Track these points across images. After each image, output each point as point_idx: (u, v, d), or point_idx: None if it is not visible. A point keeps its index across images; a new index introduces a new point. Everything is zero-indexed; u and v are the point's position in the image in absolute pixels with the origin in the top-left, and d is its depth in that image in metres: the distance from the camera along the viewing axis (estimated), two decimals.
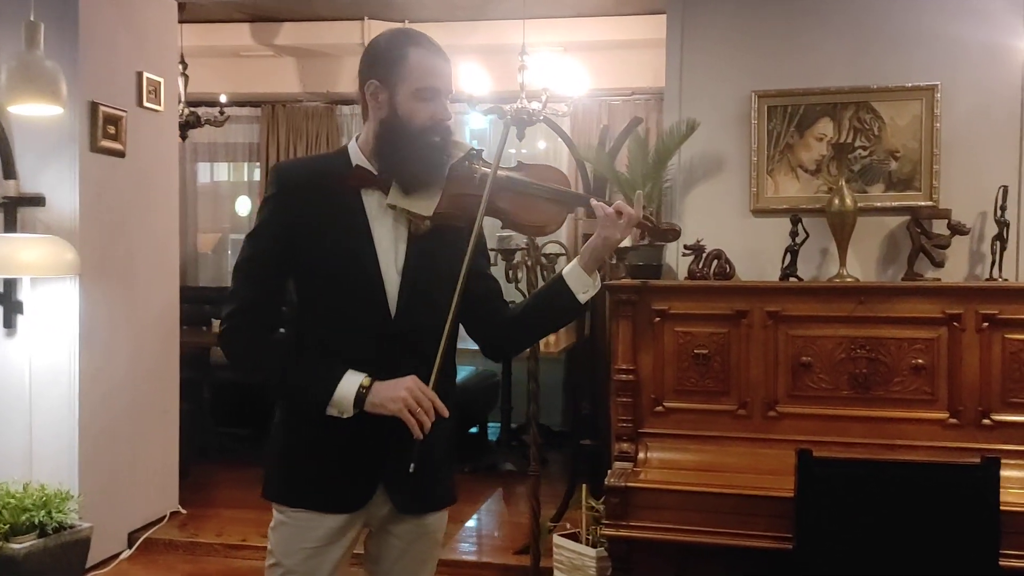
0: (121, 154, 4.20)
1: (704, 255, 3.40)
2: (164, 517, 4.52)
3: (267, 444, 2.07)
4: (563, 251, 3.58)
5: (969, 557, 2.38)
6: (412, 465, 1.84)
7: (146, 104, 4.37)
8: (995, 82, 3.28)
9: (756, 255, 3.46)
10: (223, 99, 6.37)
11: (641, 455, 3.17)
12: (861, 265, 3.39)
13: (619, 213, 1.89)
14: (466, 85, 4.67)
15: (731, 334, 3.17)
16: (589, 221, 1.99)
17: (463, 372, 5.70)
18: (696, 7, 3.51)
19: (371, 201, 1.94)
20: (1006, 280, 3.18)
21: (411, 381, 1.86)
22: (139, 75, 4.33)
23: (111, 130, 4.13)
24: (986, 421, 2.99)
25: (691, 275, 3.38)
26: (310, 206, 1.92)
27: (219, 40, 6.56)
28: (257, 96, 7.13)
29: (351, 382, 1.86)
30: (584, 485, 3.75)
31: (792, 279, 3.34)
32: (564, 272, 1.98)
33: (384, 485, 1.96)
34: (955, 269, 3.31)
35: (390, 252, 1.93)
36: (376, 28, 6.49)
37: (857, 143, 3.38)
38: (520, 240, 3.50)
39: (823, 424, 3.11)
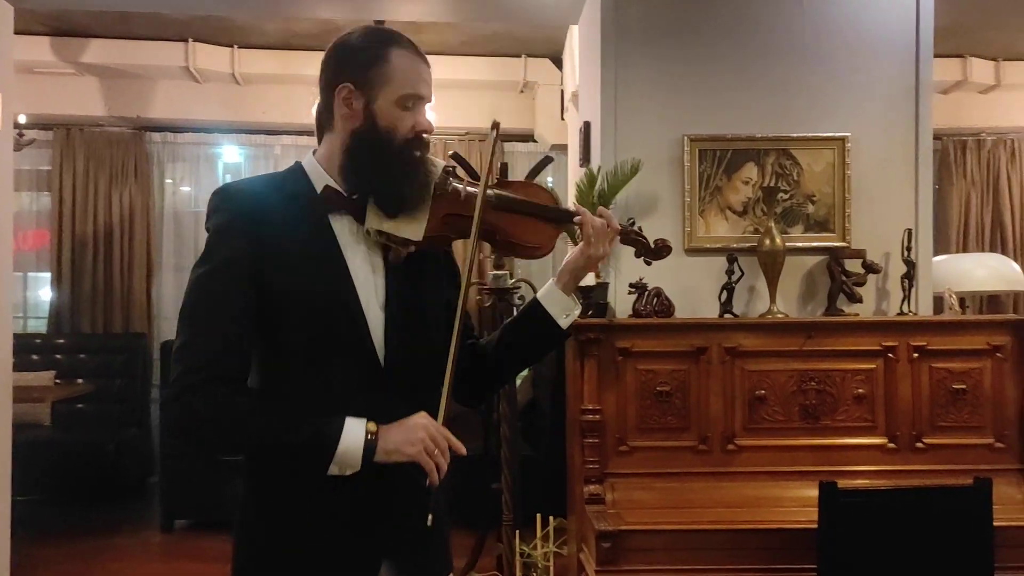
0: None
1: (646, 293, 3.44)
2: None
3: (237, 521, 1.72)
4: None
5: (970, 572, 2.57)
6: (430, 517, 1.60)
7: None
8: (896, 133, 3.62)
9: (689, 292, 3.55)
10: (22, 119, 5.61)
11: (609, 496, 3.13)
12: (784, 301, 3.58)
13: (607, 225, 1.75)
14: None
15: (691, 371, 3.23)
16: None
17: None
18: (627, 55, 3.58)
19: (342, 228, 1.68)
20: (915, 314, 3.49)
21: (424, 418, 1.60)
22: None
23: None
24: (919, 444, 3.25)
25: (636, 313, 3.39)
26: (272, 236, 1.62)
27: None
28: (50, 118, 6.35)
29: (355, 431, 1.56)
30: (517, 531, 3.64)
31: (727, 315, 3.46)
32: (539, 295, 1.81)
33: (388, 560, 1.69)
34: (864, 305, 3.58)
35: (368, 287, 1.67)
36: (202, 51, 6.02)
37: (779, 187, 3.58)
38: None
39: (778, 455, 3.23)
